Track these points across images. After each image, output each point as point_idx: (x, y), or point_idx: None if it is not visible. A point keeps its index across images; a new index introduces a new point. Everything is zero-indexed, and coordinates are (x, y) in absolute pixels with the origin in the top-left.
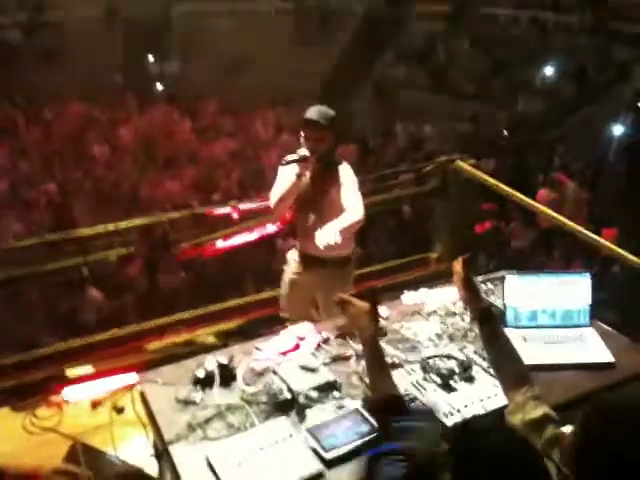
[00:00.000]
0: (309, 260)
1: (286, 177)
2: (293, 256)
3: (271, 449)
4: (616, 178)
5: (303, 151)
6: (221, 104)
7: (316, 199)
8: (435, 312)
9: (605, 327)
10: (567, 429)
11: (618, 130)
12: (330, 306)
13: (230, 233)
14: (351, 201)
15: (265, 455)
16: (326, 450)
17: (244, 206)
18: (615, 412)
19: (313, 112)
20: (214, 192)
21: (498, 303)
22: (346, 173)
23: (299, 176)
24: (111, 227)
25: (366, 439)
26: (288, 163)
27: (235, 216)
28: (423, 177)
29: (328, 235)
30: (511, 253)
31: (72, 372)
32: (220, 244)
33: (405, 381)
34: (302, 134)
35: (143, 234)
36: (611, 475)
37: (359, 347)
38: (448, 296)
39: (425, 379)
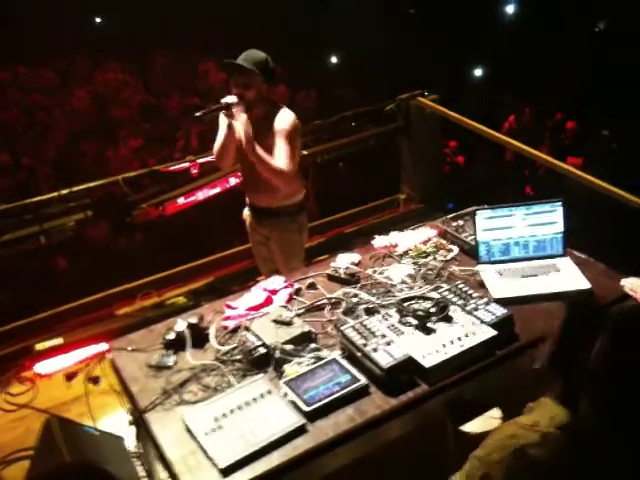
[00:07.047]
0: (258, 212)
1: (221, 127)
2: (246, 211)
3: (250, 407)
4: None
5: (227, 99)
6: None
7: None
8: (407, 254)
9: (580, 255)
10: None
11: None
12: (288, 256)
13: (191, 189)
14: (277, 151)
15: (244, 414)
16: (307, 403)
17: (203, 160)
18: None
19: (240, 56)
20: (174, 150)
21: (469, 239)
22: (282, 120)
23: (228, 126)
24: (65, 192)
25: (347, 389)
26: (204, 114)
27: (194, 171)
28: (385, 116)
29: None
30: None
31: (42, 345)
32: (181, 201)
33: (382, 326)
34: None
35: (100, 197)
36: None
37: (332, 295)
38: (419, 237)
39: (402, 322)
